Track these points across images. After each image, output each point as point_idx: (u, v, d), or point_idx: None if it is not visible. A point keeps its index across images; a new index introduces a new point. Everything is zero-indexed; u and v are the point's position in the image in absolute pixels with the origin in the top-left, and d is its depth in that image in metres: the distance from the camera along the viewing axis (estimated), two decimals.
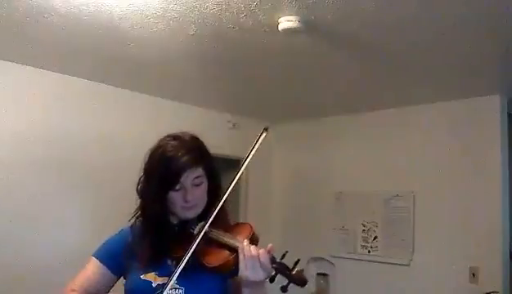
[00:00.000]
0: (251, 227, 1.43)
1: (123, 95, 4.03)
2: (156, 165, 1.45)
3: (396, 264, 4.02)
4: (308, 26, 2.54)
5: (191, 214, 1.45)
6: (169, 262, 1.40)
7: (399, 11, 2.38)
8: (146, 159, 1.49)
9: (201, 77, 3.68)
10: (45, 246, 3.52)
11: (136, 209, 1.51)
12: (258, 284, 1.28)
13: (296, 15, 2.46)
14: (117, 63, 3.40)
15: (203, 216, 1.44)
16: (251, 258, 1.26)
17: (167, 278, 1.33)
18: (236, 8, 2.42)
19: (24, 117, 3.51)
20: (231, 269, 1.32)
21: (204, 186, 1.46)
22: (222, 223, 1.44)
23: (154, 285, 1.37)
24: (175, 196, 1.42)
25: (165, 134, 1.56)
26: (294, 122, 4.88)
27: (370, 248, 4.25)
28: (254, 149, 1.42)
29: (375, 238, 4.22)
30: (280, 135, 4.94)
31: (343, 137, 4.59)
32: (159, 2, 2.40)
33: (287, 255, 1.29)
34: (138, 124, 4.11)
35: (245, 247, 1.28)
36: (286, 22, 2.50)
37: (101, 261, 1.48)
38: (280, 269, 1.26)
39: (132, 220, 1.52)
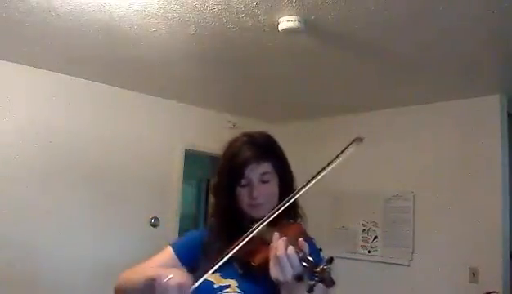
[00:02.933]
0: (300, 226, 1.40)
1: (123, 95, 4.03)
2: (224, 160, 1.45)
3: (396, 264, 4.02)
4: (308, 26, 2.54)
5: (259, 213, 1.39)
6: (234, 264, 1.35)
7: (399, 11, 2.38)
8: (219, 156, 1.49)
9: (201, 77, 3.68)
10: (46, 246, 3.52)
11: (211, 206, 1.51)
12: (291, 284, 1.20)
13: (296, 15, 2.46)
14: (117, 63, 3.40)
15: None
16: (278, 256, 1.19)
17: (229, 281, 1.32)
18: (236, 8, 2.43)
19: (23, 117, 3.52)
20: None
21: (274, 185, 1.43)
22: (282, 224, 1.37)
23: (215, 286, 1.34)
24: (242, 192, 1.41)
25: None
26: (293, 122, 4.87)
27: (370, 248, 4.25)
28: (340, 159, 1.33)
29: (375, 238, 4.22)
30: (279, 135, 4.93)
31: (343, 137, 4.56)
32: (159, 2, 2.40)
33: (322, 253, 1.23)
34: (138, 124, 4.11)
35: (274, 244, 1.22)
36: (286, 22, 2.50)
37: (175, 251, 1.46)
38: (308, 267, 1.18)
39: (209, 218, 1.52)
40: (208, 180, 6.31)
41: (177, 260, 1.45)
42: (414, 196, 4.00)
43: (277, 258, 1.20)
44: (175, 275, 1.19)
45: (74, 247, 3.62)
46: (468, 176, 3.70)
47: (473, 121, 3.75)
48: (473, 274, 3.55)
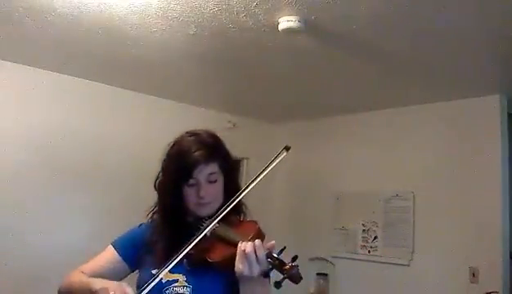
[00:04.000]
0: (256, 224, 1.44)
1: (123, 95, 4.03)
2: (171, 159, 1.48)
3: (396, 264, 4.02)
4: (308, 26, 2.54)
5: (205, 211, 1.44)
6: (183, 260, 1.38)
7: (400, 11, 2.38)
8: (164, 154, 1.51)
9: (201, 77, 3.68)
10: (45, 246, 3.52)
11: (155, 204, 1.53)
12: (255, 280, 1.26)
13: (296, 15, 2.46)
14: (117, 63, 3.40)
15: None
16: (246, 253, 1.25)
17: (177, 275, 1.35)
18: (236, 8, 2.43)
19: (23, 117, 3.52)
20: (233, 265, 1.30)
21: (220, 184, 1.47)
22: (234, 221, 1.45)
23: (163, 281, 1.37)
24: (189, 191, 1.43)
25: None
26: (293, 122, 4.87)
27: (370, 248, 4.25)
28: (272, 166, 1.43)
29: (375, 238, 4.22)
30: (279, 135, 4.93)
31: (343, 137, 4.59)
32: (159, 2, 2.41)
33: (285, 251, 1.28)
34: (138, 124, 4.11)
35: (243, 243, 1.27)
36: (286, 22, 2.50)
37: (117, 250, 1.49)
38: (275, 264, 1.24)
39: (151, 215, 1.54)
40: None
41: (120, 258, 1.48)
42: (414, 196, 4.00)
43: (245, 255, 1.24)
44: (117, 289, 1.24)
45: (72, 246, 3.61)
46: (468, 176, 3.70)
47: (473, 121, 3.75)
48: (473, 274, 3.55)
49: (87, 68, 3.57)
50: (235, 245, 1.31)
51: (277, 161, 1.45)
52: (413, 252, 3.94)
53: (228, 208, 1.38)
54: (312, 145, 4.72)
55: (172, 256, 1.33)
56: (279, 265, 1.24)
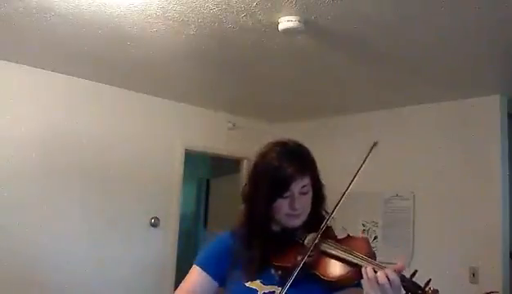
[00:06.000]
0: (367, 241, 1.43)
1: (122, 95, 4.03)
2: (264, 173, 1.44)
3: (396, 264, 4.02)
4: (308, 26, 2.55)
5: (297, 222, 1.44)
6: (273, 271, 1.37)
7: (399, 11, 2.38)
8: (252, 166, 1.48)
9: (201, 77, 3.68)
10: (44, 245, 3.52)
11: (240, 215, 1.49)
12: None
13: (296, 15, 2.46)
14: (117, 63, 3.40)
15: (306, 225, 1.44)
16: (379, 282, 1.24)
17: (272, 287, 1.33)
18: (236, 8, 2.43)
19: (23, 117, 3.52)
20: (350, 284, 1.29)
21: (310, 195, 1.47)
22: (330, 234, 1.45)
23: (259, 293, 1.36)
24: (282, 203, 1.41)
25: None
26: (293, 122, 4.87)
27: None
28: (365, 164, 1.50)
29: (375, 238, 4.22)
30: (279, 135, 4.93)
31: (342, 137, 4.58)
32: (159, 2, 2.41)
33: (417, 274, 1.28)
34: (138, 124, 4.11)
35: (370, 272, 1.26)
36: (286, 22, 2.50)
37: (204, 269, 1.45)
38: (411, 288, 1.25)
39: (233, 227, 1.51)
40: (208, 180, 6.31)
41: (209, 277, 1.44)
42: (414, 196, 4.00)
43: (377, 283, 1.24)
44: None
45: (73, 246, 3.62)
46: (468, 176, 3.70)
47: (473, 121, 3.75)
48: (473, 274, 3.55)
49: (87, 68, 3.57)
50: (352, 264, 1.30)
51: (366, 162, 1.55)
52: (413, 252, 3.94)
53: (329, 219, 1.42)
54: (312, 145, 4.67)
55: (262, 267, 1.35)
56: (416, 289, 1.25)
